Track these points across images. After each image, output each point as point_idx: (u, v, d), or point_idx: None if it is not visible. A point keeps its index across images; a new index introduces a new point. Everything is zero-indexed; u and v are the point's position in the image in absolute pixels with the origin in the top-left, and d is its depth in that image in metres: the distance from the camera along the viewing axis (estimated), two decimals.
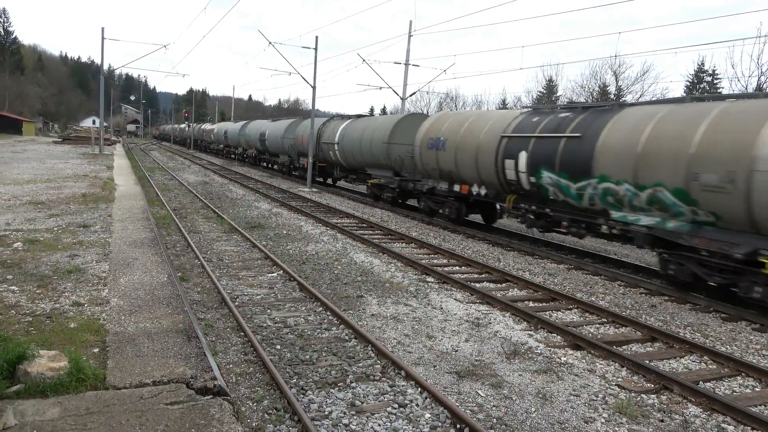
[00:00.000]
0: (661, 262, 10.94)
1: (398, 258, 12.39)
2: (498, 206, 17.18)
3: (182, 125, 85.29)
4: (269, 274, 10.44)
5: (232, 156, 48.56)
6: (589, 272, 12.27)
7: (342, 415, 5.32)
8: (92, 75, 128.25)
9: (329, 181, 30.14)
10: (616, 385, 6.45)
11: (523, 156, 13.81)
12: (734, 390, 6.60)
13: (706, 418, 5.78)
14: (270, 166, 39.12)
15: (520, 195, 14.57)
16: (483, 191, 15.85)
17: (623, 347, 7.78)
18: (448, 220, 17.69)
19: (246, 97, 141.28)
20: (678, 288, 10.64)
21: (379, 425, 5.18)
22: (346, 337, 7.37)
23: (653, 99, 25.62)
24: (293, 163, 32.79)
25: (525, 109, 15.88)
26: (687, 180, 9.86)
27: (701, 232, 9.93)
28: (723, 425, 5.64)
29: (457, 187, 16.89)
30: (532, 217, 14.22)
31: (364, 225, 17.11)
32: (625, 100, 21.81)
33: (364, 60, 30.25)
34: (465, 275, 11.34)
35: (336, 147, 25.69)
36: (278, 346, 6.95)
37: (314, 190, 26.84)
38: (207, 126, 59.93)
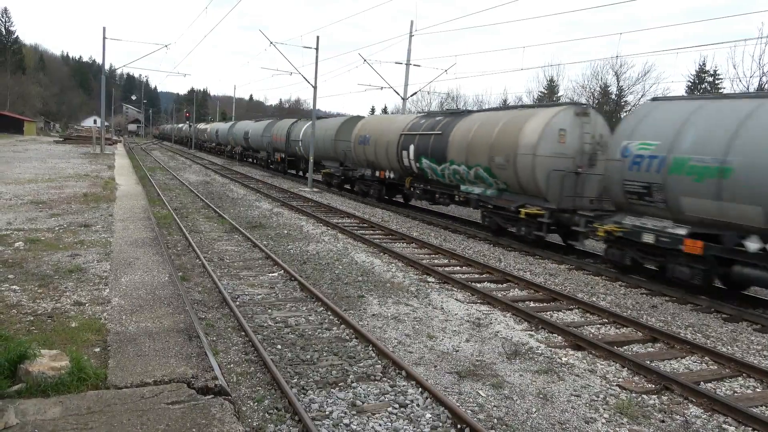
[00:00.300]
0: (482, 217, 16.28)
1: (399, 258, 12.39)
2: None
3: (180, 125, 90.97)
4: (270, 274, 10.44)
5: (226, 154, 53.24)
6: (590, 272, 12.26)
7: (343, 415, 5.32)
8: (93, 75, 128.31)
9: (300, 173, 34.70)
10: (617, 385, 6.44)
11: (411, 148, 18.98)
12: (735, 390, 6.60)
13: (707, 418, 5.78)
14: (253, 161, 43.74)
15: (413, 177, 19.76)
16: (392, 175, 21.11)
17: (624, 348, 7.78)
18: (376, 199, 22.76)
19: (247, 97, 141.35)
20: (492, 233, 15.71)
21: (380, 425, 5.18)
22: (347, 337, 7.37)
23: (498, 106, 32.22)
24: (270, 157, 38.11)
25: (419, 114, 21.28)
26: (489, 162, 15.01)
27: (500, 195, 15.19)
28: (724, 426, 5.63)
29: (377, 174, 22.04)
30: (419, 192, 19.45)
31: (365, 225, 17.11)
32: (468, 108, 26.47)
33: (365, 60, 30.25)
34: (466, 275, 11.34)
35: (300, 143, 31.27)
36: (279, 346, 6.95)
37: (315, 190, 26.85)
38: (201, 126, 67.06)
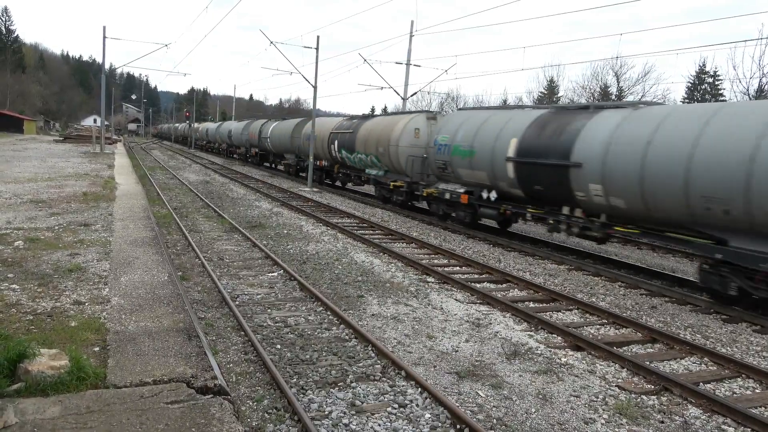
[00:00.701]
0: (376, 191, 22.89)
1: (399, 258, 12.39)
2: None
3: (176, 124, 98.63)
4: (270, 274, 10.44)
5: (213, 150, 59.84)
6: (589, 273, 12.26)
7: (342, 414, 5.33)
8: (93, 74, 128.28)
9: (270, 164, 40.98)
10: (616, 386, 6.45)
11: (336, 143, 25.59)
12: (735, 391, 6.60)
13: (706, 419, 5.78)
14: (235, 156, 49.83)
15: (339, 164, 26.54)
16: (326, 163, 28.09)
17: (623, 348, 7.78)
18: (318, 182, 29.00)
19: (247, 97, 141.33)
20: (381, 200, 22.36)
21: (379, 425, 5.18)
22: (347, 337, 7.37)
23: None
24: (247, 152, 44.60)
25: (343, 118, 27.98)
26: (377, 151, 21.24)
27: (385, 175, 21.35)
28: (723, 426, 5.64)
29: (318, 162, 28.51)
30: (341, 175, 26.94)
31: (365, 225, 17.11)
32: (372, 113, 33.06)
33: (365, 60, 30.26)
34: (465, 275, 11.34)
35: (268, 140, 37.28)
36: (278, 346, 6.95)
37: (315, 189, 26.85)
38: (195, 125, 76.42)
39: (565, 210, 13.13)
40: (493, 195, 15.38)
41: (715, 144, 9.56)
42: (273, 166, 39.92)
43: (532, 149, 13.61)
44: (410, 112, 23.67)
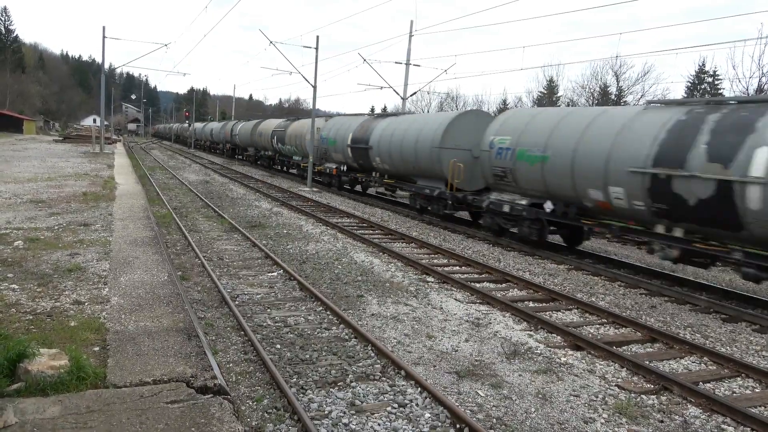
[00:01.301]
0: (297, 171, 32.09)
1: (398, 258, 12.40)
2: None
3: (171, 124, 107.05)
4: (269, 274, 10.44)
5: (200, 146, 68.70)
6: (589, 273, 12.27)
7: (342, 414, 5.33)
8: (93, 74, 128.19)
9: (238, 157, 49.89)
10: (616, 385, 6.45)
11: (275, 138, 34.59)
12: (734, 391, 6.61)
13: (705, 418, 5.78)
14: (216, 151, 59.38)
15: (278, 153, 35.70)
16: (269, 153, 38.18)
17: (623, 348, 7.79)
18: (266, 168, 38.75)
19: (247, 97, 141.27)
20: (300, 178, 31.45)
21: (379, 425, 5.18)
22: (346, 337, 7.37)
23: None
24: (224, 147, 54.45)
25: (282, 119, 37.40)
26: (296, 144, 30.95)
27: (302, 159, 30.55)
28: (723, 426, 5.64)
29: (269, 153, 38.14)
30: (279, 162, 36.10)
31: (365, 224, 17.11)
32: (297, 117, 37.56)
33: (365, 60, 30.26)
34: (465, 275, 11.34)
35: (237, 137, 47.02)
36: (278, 346, 6.95)
37: (314, 189, 26.85)
38: (186, 125, 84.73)
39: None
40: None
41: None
42: (242, 156, 48.60)
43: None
44: (304, 118, 33.95)
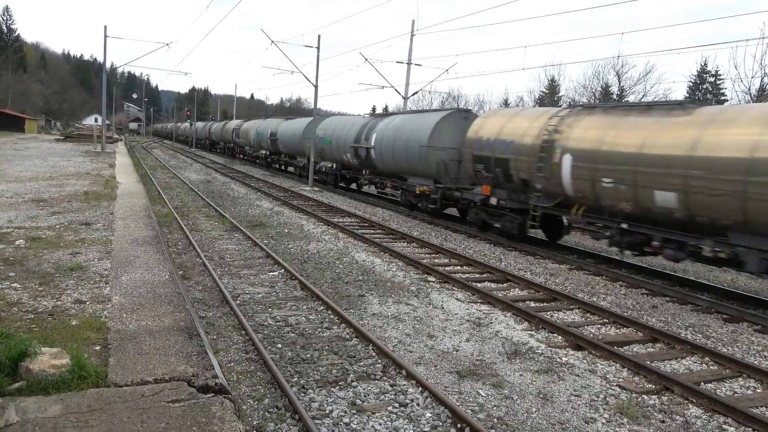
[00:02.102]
0: (260, 161, 41.01)
1: (400, 257, 12.39)
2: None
3: (168, 124, 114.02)
4: (270, 273, 10.44)
5: (189, 143, 77.53)
6: (590, 272, 12.26)
7: (343, 414, 5.33)
8: (94, 73, 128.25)
9: (215, 150, 60.09)
10: (617, 385, 6.44)
11: (234, 133, 49.21)
12: (735, 391, 6.60)
13: (707, 419, 5.78)
14: (200, 147, 69.16)
15: (236, 145, 49.50)
16: (231, 145, 50.99)
17: (624, 348, 7.78)
18: (231, 156, 50.15)
19: (248, 96, 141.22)
20: (271, 170, 38.81)
21: (380, 424, 5.18)
22: (347, 336, 7.37)
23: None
24: (205, 142, 64.68)
25: (243, 119, 51.58)
26: (245, 136, 44.26)
27: (251, 149, 43.86)
28: (724, 426, 5.64)
29: (248, 149, 44.12)
30: (238, 152, 48.30)
31: (366, 224, 17.11)
32: (250, 118, 48.41)
33: (366, 59, 30.25)
34: (466, 275, 11.34)
35: (212, 134, 57.40)
36: (279, 345, 6.95)
37: (316, 189, 26.86)
38: (180, 124, 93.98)
39: None
40: None
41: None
42: (216, 149, 59.85)
43: None
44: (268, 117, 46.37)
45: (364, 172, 23.47)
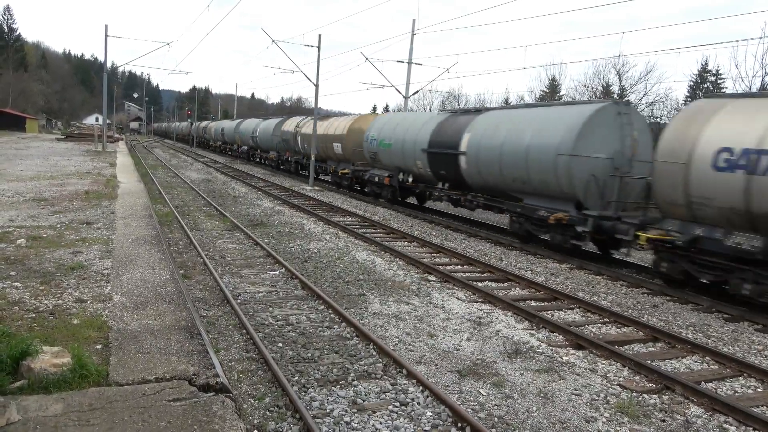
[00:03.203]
0: (241, 155, 47.30)
1: (400, 257, 12.40)
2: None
3: (164, 123, 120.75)
4: (271, 272, 10.45)
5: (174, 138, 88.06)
6: (591, 272, 12.26)
7: (343, 413, 5.33)
8: (95, 72, 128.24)
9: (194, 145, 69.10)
10: (617, 384, 6.44)
11: (221, 131, 55.65)
12: (736, 390, 6.60)
13: (707, 418, 5.78)
14: (183, 143, 76.90)
15: (222, 142, 55.55)
16: (220, 143, 56.04)
17: (625, 347, 7.78)
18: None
19: (249, 95, 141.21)
20: (245, 161, 45.27)
21: (381, 423, 5.19)
22: (348, 336, 7.38)
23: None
24: (188, 138, 75.18)
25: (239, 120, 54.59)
26: (221, 133, 54.97)
27: (231, 144, 51.89)
28: (725, 426, 5.64)
29: (228, 146, 53.42)
30: (227, 148, 53.48)
31: (366, 223, 17.11)
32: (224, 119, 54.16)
33: (367, 58, 30.23)
34: (467, 274, 11.34)
35: (193, 132, 71.04)
36: (280, 344, 6.96)
37: (316, 188, 26.85)
38: (175, 123, 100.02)
39: None
40: None
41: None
42: (194, 145, 68.29)
43: None
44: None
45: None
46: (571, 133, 12.70)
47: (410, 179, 20.10)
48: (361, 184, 24.56)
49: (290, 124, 33.69)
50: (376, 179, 22.02)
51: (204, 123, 74.50)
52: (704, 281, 10.51)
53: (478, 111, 17.49)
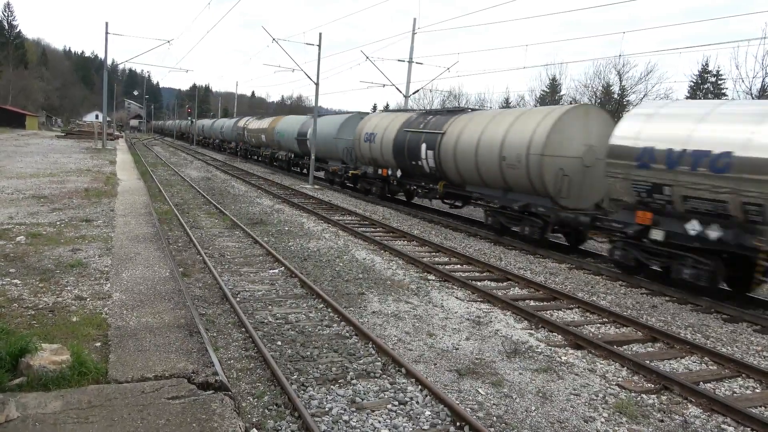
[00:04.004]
0: (214, 147, 59.33)
1: (400, 256, 12.40)
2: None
3: (160, 121, 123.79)
4: (271, 271, 10.45)
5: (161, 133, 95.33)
6: (590, 272, 12.26)
7: (342, 411, 5.34)
8: (96, 70, 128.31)
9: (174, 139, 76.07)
10: (616, 384, 6.45)
11: (208, 127, 64.79)
12: (735, 391, 6.60)
13: (706, 418, 5.78)
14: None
15: (214, 138, 61.02)
16: (217, 141, 58.34)
17: (624, 347, 7.79)
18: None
19: (249, 94, 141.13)
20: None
21: (380, 422, 5.19)
22: (347, 334, 7.38)
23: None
24: (174, 134, 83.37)
25: (235, 118, 56.75)
26: (213, 132, 61.07)
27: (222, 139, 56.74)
28: (723, 426, 5.64)
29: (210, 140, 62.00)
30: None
31: (366, 222, 17.11)
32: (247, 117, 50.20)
33: (367, 57, 30.22)
34: (466, 274, 11.34)
35: (176, 128, 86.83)
36: (279, 343, 6.96)
37: (316, 187, 26.85)
38: (175, 122, 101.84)
39: None
40: None
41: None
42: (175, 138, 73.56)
43: None
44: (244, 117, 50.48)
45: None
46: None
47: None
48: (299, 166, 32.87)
49: (241, 122, 46.64)
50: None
51: (201, 121, 75.73)
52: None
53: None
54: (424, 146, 18.30)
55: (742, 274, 10.38)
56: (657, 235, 10.83)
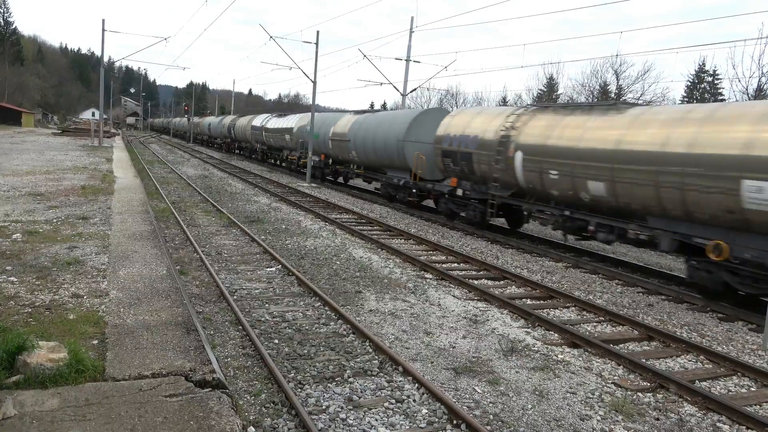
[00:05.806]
0: (203, 142, 66.69)
1: (397, 254, 12.41)
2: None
3: (159, 119, 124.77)
4: (268, 269, 10.45)
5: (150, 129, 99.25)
6: (587, 270, 12.30)
7: (339, 409, 5.35)
8: (92, 67, 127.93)
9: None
10: (612, 383, 6.48)
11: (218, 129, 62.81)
12: (730, 389, 6.64)
13: (701, 417, 5.81)
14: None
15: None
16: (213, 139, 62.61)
17: (620, 346, 7.82)
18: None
19: (246, 91, 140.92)
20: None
21: (376, 420, 5.21)
22: (344, 332, 7.39)
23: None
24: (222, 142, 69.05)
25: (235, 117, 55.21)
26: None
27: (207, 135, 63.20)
28: (718, 424, 5.67)
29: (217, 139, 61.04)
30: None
31: (363, 221, 17.12)
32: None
33: (365, 56, 30.22)
34: (463, 272, 11.36)
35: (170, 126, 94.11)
36: (276, 341, 6.97)
37: (313, 185, 26.84)
38: (172, 119, 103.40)
39: None
40: None
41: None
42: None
43: None
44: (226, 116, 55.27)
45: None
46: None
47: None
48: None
49: (226, 120, 51.05)
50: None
51: (197, 119, 75.70)
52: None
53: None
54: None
55: (515, 218, 16.25)
56: (459, 192, 16.87)
